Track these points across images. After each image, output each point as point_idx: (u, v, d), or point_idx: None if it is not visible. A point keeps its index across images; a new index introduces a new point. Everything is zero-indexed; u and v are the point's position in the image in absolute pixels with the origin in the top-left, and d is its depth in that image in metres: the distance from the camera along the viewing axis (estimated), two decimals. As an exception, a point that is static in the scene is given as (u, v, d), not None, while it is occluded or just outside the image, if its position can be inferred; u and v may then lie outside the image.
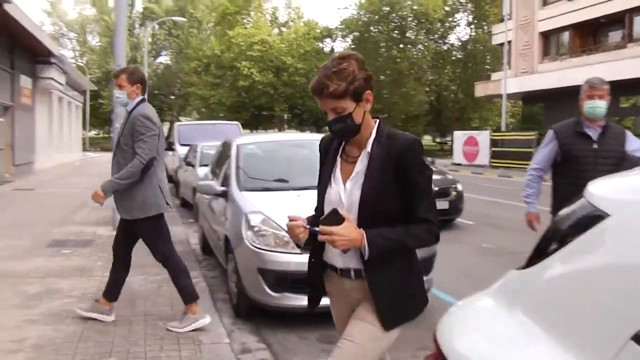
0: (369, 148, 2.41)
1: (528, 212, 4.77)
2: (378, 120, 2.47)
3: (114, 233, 5.12)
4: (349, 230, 2.26)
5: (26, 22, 18.15)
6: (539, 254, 1.73)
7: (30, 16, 19.56)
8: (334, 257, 2.50)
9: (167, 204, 4.85)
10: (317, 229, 2.29)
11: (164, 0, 63.07)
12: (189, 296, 4.82)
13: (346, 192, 2.44)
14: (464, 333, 1.80)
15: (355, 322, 2.45)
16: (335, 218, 2.26)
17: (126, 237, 4.96)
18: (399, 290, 2.43)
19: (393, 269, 2.40)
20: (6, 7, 15.55)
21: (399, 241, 2.33)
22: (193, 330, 4.67)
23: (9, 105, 19.88)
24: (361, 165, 2.42)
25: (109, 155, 5.23)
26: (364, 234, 2.29)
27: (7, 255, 7.40)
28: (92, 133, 59.00)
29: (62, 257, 7.22)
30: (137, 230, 4.84)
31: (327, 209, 2.40)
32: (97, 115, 56.93)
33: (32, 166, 22.51)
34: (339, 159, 2.55)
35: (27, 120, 22.12)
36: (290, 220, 2.39)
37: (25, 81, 21.54)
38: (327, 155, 2.61)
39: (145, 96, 4.98)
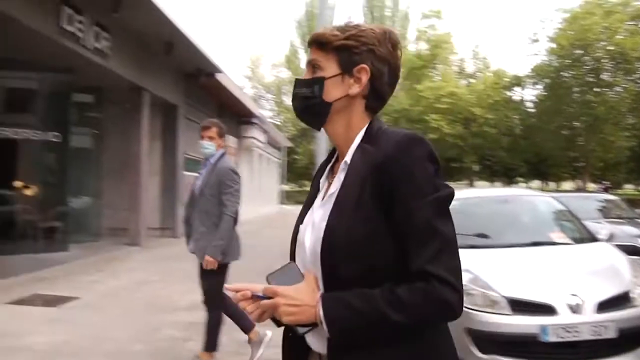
0: (348, 158, 1.55)
1: None
2: (372, 119, 1.60)
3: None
4: (300, 293, 1.43)
5: (233, 88, 20.08)
6: None
7: (235, 82, 21.60)
8: (310, 335, 1.52)
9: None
10: (261, 294, 1.47)
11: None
12: (211, 345, 5.11)
13: (314, 226, 1.55)
14: None
15: None
16: (290, 276, 1.49)
17: None
18: None
19: (380, 357, 1.42)
20: (217, 76, 17.35)
21: (374, 313, 1.36)
22: None
23: (218, 163, 21.89)
24: (337, 184, 1.55)
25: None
26: (320, 300, 1.42)
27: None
28: (288, 187, 62.38)
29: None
30: (203, 272, 5.06)
31: (298, 252, 1.61)
32: (293, 170, 60.26)
33: (238, 218, 24.37)
34: (324, 176, 1.70)
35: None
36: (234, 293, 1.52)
37: (232, 141, 23.62)
38: (318, 174, 1.77)
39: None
